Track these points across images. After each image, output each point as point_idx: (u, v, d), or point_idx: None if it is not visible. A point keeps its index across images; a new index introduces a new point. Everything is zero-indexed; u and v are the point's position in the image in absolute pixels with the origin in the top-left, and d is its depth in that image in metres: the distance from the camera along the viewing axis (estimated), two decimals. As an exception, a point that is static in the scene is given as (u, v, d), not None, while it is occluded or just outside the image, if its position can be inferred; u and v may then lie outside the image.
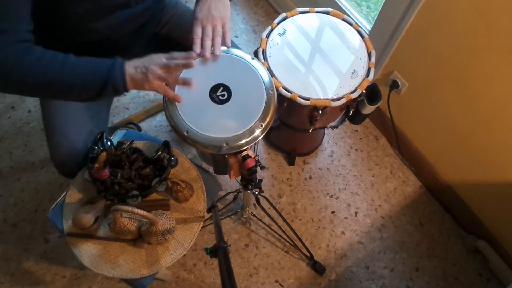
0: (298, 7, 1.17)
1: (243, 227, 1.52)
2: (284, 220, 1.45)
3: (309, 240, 1.51)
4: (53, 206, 0.96)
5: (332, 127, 1.32)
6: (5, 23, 0.71)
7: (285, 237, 1.47)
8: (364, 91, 1.06)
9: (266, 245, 1.49)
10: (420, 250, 1.52)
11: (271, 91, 0.86)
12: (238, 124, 0.82)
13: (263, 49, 1.09)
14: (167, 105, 0.84)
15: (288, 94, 1.03)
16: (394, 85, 1.46)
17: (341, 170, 1.65)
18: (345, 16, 1.15)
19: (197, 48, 0.87)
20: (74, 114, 0.98)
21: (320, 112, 1.06)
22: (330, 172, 1.64)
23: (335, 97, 1.04)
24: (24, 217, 1.50)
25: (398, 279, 1.46)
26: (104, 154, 0.89)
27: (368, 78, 1.06)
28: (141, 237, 0.88)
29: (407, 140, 1.60)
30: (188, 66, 0.83)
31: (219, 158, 0.90)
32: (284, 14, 1.15)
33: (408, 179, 1.65)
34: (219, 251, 0.72)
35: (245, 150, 0.82)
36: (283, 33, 1.13)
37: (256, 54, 1.08)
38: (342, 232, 1.53)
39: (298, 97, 1.02)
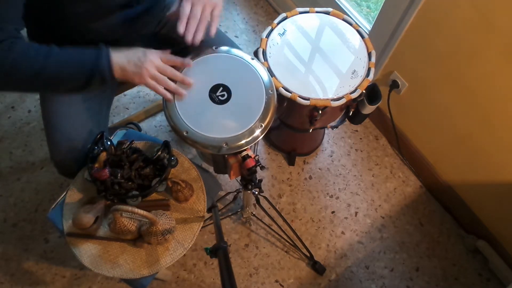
0: (298, 7, 1.17)
1: (243, 227, 1.52)
2: (284, 220, 1.45)
3: (309, 240, 1.51)
4: (53, 206, 0.96)
5: (332, 127, 1.32)
6: None
7: (285, 237, 1.47)
8: (364, 91, 1.06)
9: (266, 245, 1.49)
10: (420, 250, 1.52)
11: (271, 91, 0.86)
12: (238, 124, 0.82)
13: (263, 49, 1.09)
14: (167, 105, 0.84)
15: (288, 94, 1.03)
16: (394, 85, 1.46)
17: (341, 170, 1.65)
18: (345, 16, 1.15)
19: (181, 27, 0.82)
20: (74, 114, 0.98)
21: (320, 112, 1.06)
22: (330, 172, 1.64)
23: (335, 97, 1.04)
24: (24, 217, 1.50)
25: (398, 279, 1.46)
26: (104, 154, 0.89)
27: (368, 78, 1.06)
28: (141, 237, 0.88)
29: (407, 140, 1.60)
30: (183, 81, 0.84)
31: (219, 158, 0.90)
32: (284, 14, 1.15)
33: (408, 179, 1.65)
34: (219, 251, 0.72)
35: (245, 150, 0.82)
36: (283, 33, 1.13)
37: (256, 54, 1.08)
38: (342, 232, 1.53)
39: (298, 97, 1.02)
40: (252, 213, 1.43)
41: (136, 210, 0.75)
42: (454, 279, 1.47)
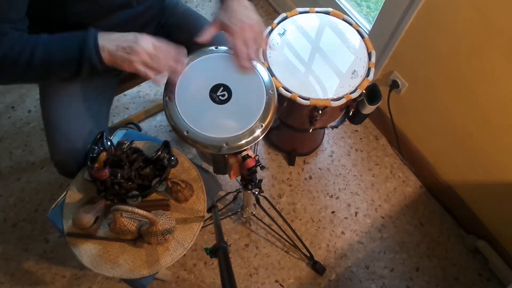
0: (298, 7, 1.17)
1: (243, 227, 1.52)
2: (284, 220, 1.45)
3: (309, 240, 1.51)
4: (53, 206, 0.96)
5: (332, 127, 1.32)
6: None
7: (285, 237, 1.47)
8: (364, 91, 1.06)
9: (266, 245, 1.49)
10: (420, 250, 1.52)
11: (271, 91, 0.86)
12: (238, 124, 0.82)
13: (263, 49, 1.09)
14: (167, 105, 0.84)
15: (288, 94, 1.03)
16: (394, 85, 1.46)
17: (341, 170, 1.65)
18: (345, 16, 1.15)
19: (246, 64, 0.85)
20: (74, 114, 0.98)
21: (320, 112, 1.06)
22: (330, 172, 1.64)
23: (335, 97, 1.04)
24: (24, 217, 1.50)
25: (398, 279, 1.46)
26: (104, 154, 0.89)
27: (368, 78, 1.06)
28: (141, 237, 0.88)
29: (407, 140, 1.60)
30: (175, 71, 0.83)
31: (219, 158, 0.90)
32: (284, 14, 1.15)
33: (408, 179, 1.65)
34: (219, 251, 0.72)
35: (245, 150, 0.82)
36: (283, 33, 1.13)
37: (256, 54, 1.08)
38: (342, 232, 1.53)
39: (298, 97, 1.02)
40: (252, 213, 1.43)
41: (136, 210, 0.75)
42: (454, 279, 1.47)
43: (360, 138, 1.72)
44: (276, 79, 1.05)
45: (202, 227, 0.98)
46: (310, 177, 1.63)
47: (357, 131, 1.74)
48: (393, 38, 1.36)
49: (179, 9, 1.14)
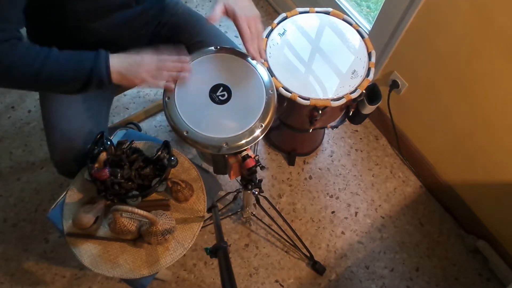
0: (298, 7, 1.17)
1: (243, 227, 1.52)
2: (284, 220, 1.45)
3: (309, 240, 1.51)
4: (53, 206, 0.96)
5: (332, 127, 1.32)
6: None
7: (285, 237, 1.47)
8: (364, 91, 1.06)
9: (266, 245, 1.49)
10: (420, 250, 1.52)
11: (271, 91, 0.86)
12: (238, 124, 0.82)
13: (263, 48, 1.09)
14: (167, 105, 0.84)
15: (288, 94, 1.03)
16: (394, 85, 1.46)
17: (341, 170, 1.65)
18: (345, 16, 1.15)
19: (252, 49, 0.84)
20: (74, 114, 0.98)
21: (320, 112, 1.06)
22: (330, 172, 1.64)
23: (335, 97, 1.04)
24: (24, 217, 1.50)
25: (398, 279, 1.46)
26: (104, 154, 0.89)
27: (368, 78, 1.06)
28: (141, 237, 0.88)
29: (407, 140, 1.60)
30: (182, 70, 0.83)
31: (219, 158, 0.90)
32: (284, 14, 1.15)
33: (408, 179, 1.65)
34: (219, 251, 0.72)
35: (245, 150, 0.82)
36: (283, 33, 1.13)
37: (256, 54, 1.08)
38: (342, 232, 1.53)
39: (298, 97, 1.02)
40: (252, 213, 1.43)
41: (136, 210, 0.75)
42: (454, 279, 1.47)
43: (360, 138, 1.72)
44: (276, 79, 1.05)
45: (202, 227, 0.98)
46: (310, 177, 1.63)
47: (357, 131, 1.74)
48: (393, 38, 1.36)
49: (179, 9, 1.14)
